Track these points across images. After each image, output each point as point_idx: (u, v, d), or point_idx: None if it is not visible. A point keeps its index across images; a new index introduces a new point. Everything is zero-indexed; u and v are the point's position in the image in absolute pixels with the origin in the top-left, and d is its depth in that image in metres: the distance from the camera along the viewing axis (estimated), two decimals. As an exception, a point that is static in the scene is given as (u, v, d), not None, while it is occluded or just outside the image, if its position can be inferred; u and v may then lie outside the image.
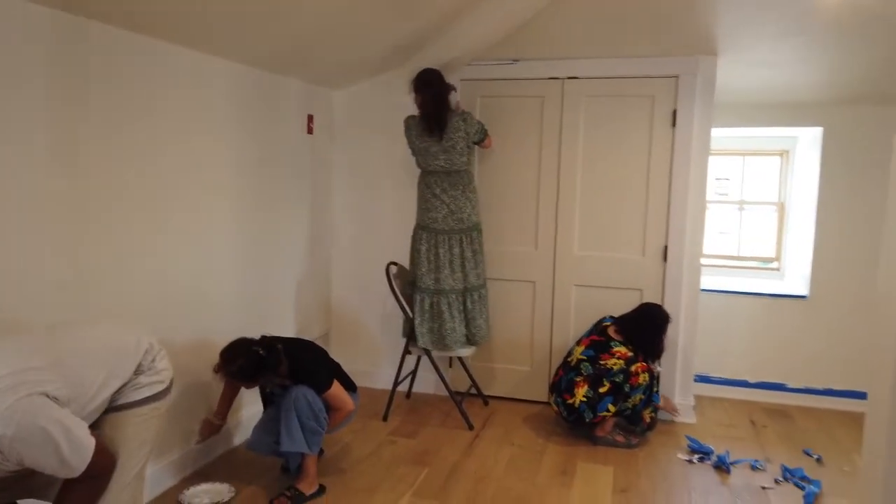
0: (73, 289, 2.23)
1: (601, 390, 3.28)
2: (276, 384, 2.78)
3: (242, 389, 2.94)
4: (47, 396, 1.45)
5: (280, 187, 3.54)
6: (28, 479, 1.63)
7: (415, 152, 3.54)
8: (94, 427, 1.61)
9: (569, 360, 3.47)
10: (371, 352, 4.16)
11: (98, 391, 1.59)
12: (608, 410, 3.28)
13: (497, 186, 3.89)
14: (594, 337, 3.45)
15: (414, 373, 3.93)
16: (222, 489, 2.72)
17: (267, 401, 2.93)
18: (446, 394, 3.72)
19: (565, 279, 3.85)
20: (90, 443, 1.50)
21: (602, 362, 3.31)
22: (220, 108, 2.96)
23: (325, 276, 4.13)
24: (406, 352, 3.64)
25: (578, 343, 3.50)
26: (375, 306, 4.10)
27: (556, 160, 3.78)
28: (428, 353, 3.56)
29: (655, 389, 3.41)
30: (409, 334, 3.59)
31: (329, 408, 2.75)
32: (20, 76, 2.00)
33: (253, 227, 3.30)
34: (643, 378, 3.30)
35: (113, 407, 1.65)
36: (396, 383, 3.69)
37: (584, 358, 3.37)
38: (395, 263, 3.65)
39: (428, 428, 3.54)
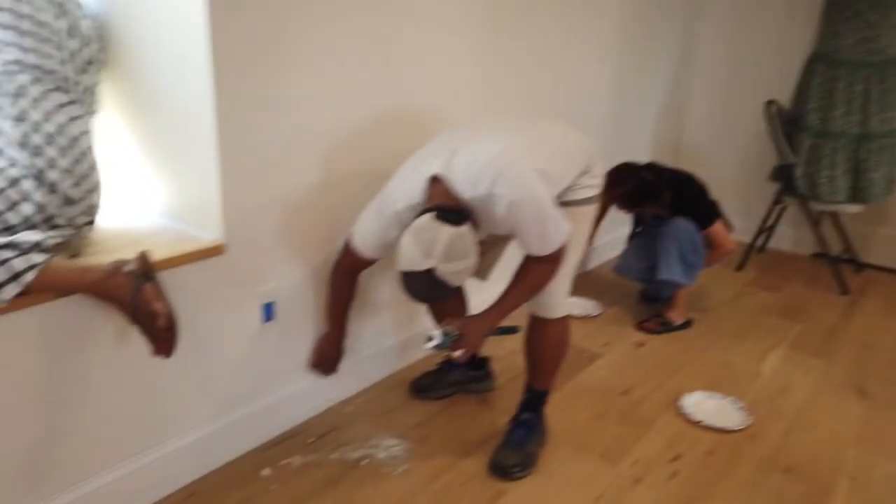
0: (487, 95, 2.34)
1: None
2: (655, 213, 2.69)
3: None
4: (542, 174, 1.51)
5: (648, 10, 3.23)
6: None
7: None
8: None
9: None
10: (723, 197, 3.84)
11: (560, 181, 1.62)
12: None
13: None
14: None
15: (772, 227, 3.54)
16: (590, 305, 2.82)
17: (639, 228, 2.88)
18: (807, 253, 3.31)
19: None
20: (567, 226, 1.55)
21: None
22: None
23: (683, 111, 3.82)
24: (776, 201, 3.27)
25: None
26: (734, 147, 3.72)
27: None
28: (802, 202, 3.16)
29: None
30: (781, 181, 3.19)
31: (707, 244, 2.62)
32: None
33: (623, 54, 3.09)
34: None
35: (560, 203, 1.67)
36: (758, 233, 3.38)
37: None
38: (773, 101, 3.20)
39: (791, 285, 3.23)
